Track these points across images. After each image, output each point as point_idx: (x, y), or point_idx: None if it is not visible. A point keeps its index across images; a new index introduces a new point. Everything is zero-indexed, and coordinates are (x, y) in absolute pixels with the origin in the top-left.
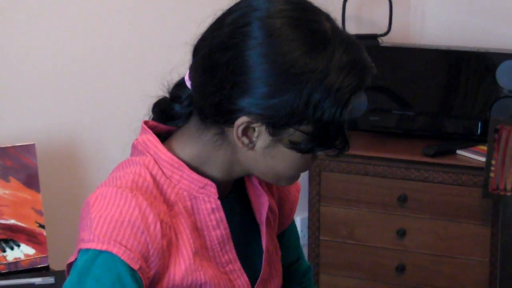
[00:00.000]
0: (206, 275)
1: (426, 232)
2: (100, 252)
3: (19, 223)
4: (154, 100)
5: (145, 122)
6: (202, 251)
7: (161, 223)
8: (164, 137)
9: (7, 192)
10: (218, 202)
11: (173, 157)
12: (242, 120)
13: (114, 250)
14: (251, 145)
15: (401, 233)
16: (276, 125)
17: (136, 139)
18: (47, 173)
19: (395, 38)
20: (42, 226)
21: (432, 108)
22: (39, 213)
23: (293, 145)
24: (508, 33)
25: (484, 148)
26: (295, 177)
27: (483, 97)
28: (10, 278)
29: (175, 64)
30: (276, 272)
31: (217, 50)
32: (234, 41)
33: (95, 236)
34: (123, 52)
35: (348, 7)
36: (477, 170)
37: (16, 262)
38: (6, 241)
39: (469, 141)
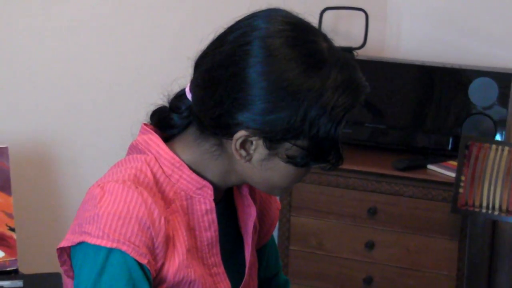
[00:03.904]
0: (196, 273)
1: (394, 245)
2: (111, 250)
3: None
4: (152, 108)
5: (145, 125)
6: (193, 250)
7: (164, 218)
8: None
9: None
10: (213, 204)
11: (175, 156)
12: (241, 133)
13: (124, 248)
14: (248, 158)
15: (370, 245)
16: (273, 139)
17: (135, 140)
18: (19, 176)
19: (370, 51)
20: (12, 229)
21: (404, 122)
22: (10, 216)
23: (289, 159)
24: (482, 50)
25: (454, 163)
26: (288, 188)
27: (455, 113)
28: None
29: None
30: (253, 284)
31: (218, 67)
32: (235, 58)
33: (104, 234)
34: (111, 59)
35: (325, 19)
36: (447, 185)
37: None
38: None
39: (440, 156)
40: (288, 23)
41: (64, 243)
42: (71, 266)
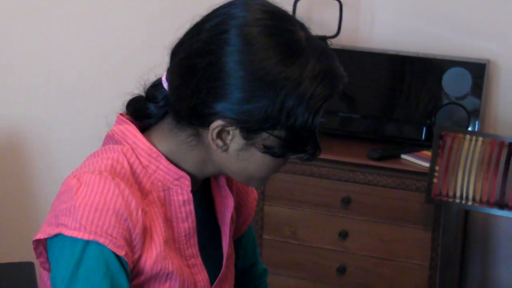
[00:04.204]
0: (173, 265)
1: (368, 235)
2: (88, 242)
3: None
4: (128, 97)
5: (121, 115)
6: (170, 241)
7: (141, 209)
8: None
9: None
10: (190, 195)
11: (152, 147)
12: (217, 123)
13: (101, 240)
14: (225, 148)
15: (344, 235)
16: (250, 129)
17: (111, 130)
18: None
19: (344, 40)
20: None
21: (378, 112)
22: None
23: (266, 149)
24: (455, 40)
25: (428, 153)
26: (265, 179)
27: (428, 103)
28: None
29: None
30: (231, 275)
31: (195, 55)
32: (212, 47)
33: (81, 225)
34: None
35: (298, 8)
36: (420, 175)
37: None
38: None
39: (414, 146)
40: (265, 11)
41: (40, 235)
42: (47, 258)
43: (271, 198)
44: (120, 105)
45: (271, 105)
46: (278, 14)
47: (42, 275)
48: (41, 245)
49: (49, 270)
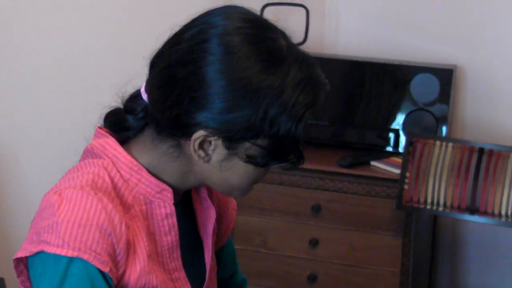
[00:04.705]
0: (157, 279)
1: (338, 242)
2: (72, 259)
3: None
4: (106, 110)
5: (100, 128)
6: (154, 255)
7: (124, 224)
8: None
9: None
10: (173, 208)
11: (133, 160)
12: (199, 134)
13: (85, 256)
14: (207, 158)
15: (314, 243)
16: (232, 139)
17: (90, 144)
18: None
19: (311, 47)
20: None
21: (345, 119)
22: None
23: (249, 159)
24: (422, 46)
25: (397, 160)
26: (247, 189)
27: (396, 109)
28: None
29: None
30: (213, 286)
31: (175, 65)
32: (193, 56)
33: (64, 242)
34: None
35: (265, 15)
36: (390, 181)
37: None
38: None
39: (383, 152)
40: (246, 20)
41: (21, 253)
42: (29, 276)
43: (241, 207)
44: (97, 118)
45: (253, 114)
46: (258, 23)
47: None
48: (22, 263)
49: None
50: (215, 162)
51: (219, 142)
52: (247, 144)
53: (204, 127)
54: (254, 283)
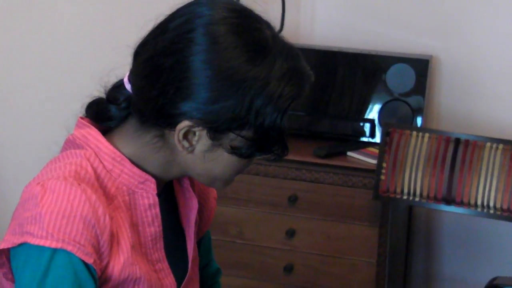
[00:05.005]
0: (141, 270)
1: (315, 233)
2: (55, 250)
3: None
4: (88, 100)
5: (82, 118)
6: (137, 246)
7: (108, 215)
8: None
9: None
10: (156, 199)
11: (116, 150)
12: (184, 124)
13: (69, 248)
14: (191, 149)
15: (291, 233)
16: (217, 129)
17: (72, 134)
18: None
19: (286, 37)
20: None
21: (321, 109)
22: None
23: (234, 150)
24: (398, 36)
25: (373, 150)
26: (230, 180)
27: (372, 99)
28: None
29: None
30: (196, 277)
31: (160, 55)
32: (178, 46)
33: (48, 233)
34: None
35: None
36: (367, 172)
37: None
38: None
39: (359, 143)
40: (231, 10)
41: (3, 245)
42: (10, 268)
43: (217, 198)
44: (79, 108)
45: (239, 105)
46: (244, 13)
47: (5, 286)
48: (4, 255)
49: (12, 281)
50: (199, 152)
51: (204, 132)
52: (231, 135)
53: (189, 118)
54: (230, 274)
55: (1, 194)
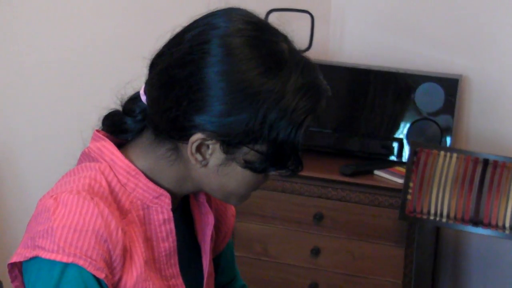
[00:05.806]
0: (154, 286)
1: (340, 252)
2: (66, 264)
3: None
4: (105, 112)
5: (98, 131)
6: (150, 262)
7: (121, 230)
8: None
9: None
10: (171, 214)
11: (130, 164)
12: (197, 136)
13: (81, 262)
14: (205, 162)
15: (316, 252)
16: (230, 143)
17: (88, 147)
18: None
19: (315, 54)
20: None
21: (349, 127)
22: None
23: (247, 164)
24: (428, 54)
25: (401, 169)
26: (245, 196)
27: (400, 118)
28: None
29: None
30: None
31: (175, 66)
32: (193, 57)
33: (59, 248)
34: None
35: (270, 20)
36: (393, 191)
37: None
38: None
39: (386, 161)
40: (248, 22)
41: (15, 258)
42: (23, 282)
43: (242, 214)
44: (96, 120)
45: (252, 118)
46: (260, 25)
47: None
48: (16, 268)
49: None
50: (213, 166)
51: (217, 146)
52: (245, 149)
53: (202, 130)
54: None
55: (23, 205)
